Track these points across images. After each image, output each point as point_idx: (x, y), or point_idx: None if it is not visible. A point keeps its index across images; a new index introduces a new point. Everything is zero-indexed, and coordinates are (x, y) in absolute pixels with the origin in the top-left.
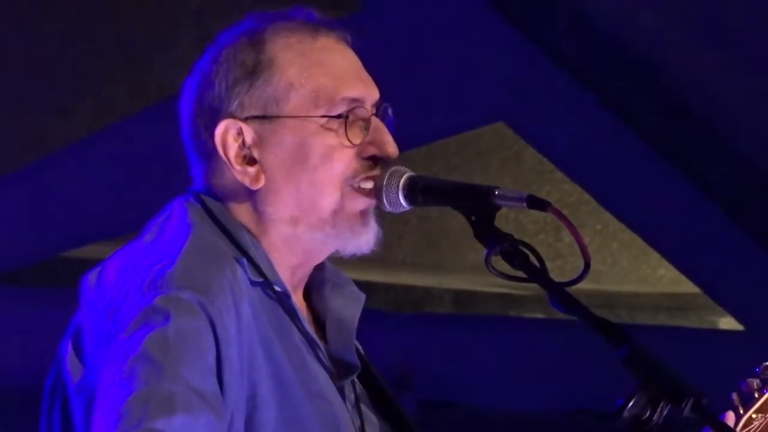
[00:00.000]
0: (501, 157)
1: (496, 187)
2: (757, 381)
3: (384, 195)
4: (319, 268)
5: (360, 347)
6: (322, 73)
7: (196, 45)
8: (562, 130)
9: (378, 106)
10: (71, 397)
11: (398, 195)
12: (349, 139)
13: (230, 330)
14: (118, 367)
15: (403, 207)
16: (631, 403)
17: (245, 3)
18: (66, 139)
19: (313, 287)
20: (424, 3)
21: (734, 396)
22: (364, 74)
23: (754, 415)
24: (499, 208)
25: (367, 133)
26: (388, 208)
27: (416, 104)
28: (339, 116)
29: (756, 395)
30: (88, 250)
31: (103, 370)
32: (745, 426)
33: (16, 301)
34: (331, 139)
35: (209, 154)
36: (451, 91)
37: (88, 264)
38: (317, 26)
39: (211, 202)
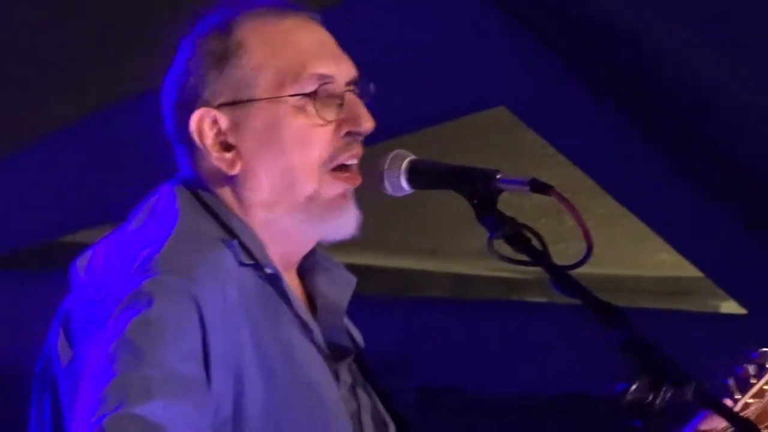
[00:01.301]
0: (502, 142)
1: (499, 171)
2: (754, 366)
3: (386, 178)
4: (310, 253)
5: (355, 332)
6: (288, 52)
7: (172, 31)
8: (563, 114)
9: (355, 83)
10: (60, 381)
11: (400, 178)
12: (320, 117)
13: (216, 313)
14: (101, 352)
15: (405, 190)
16: (633, 388)
17: None
18: (56, 123)
19: (305, 272)
20: None
21: (730, 381)
22: (336, 50)
23: (750, 401)
24: (501, 191)
25: (341, 110)
26: (389, 191)
27: (415, 89)
28: (308, 94)
29: (752, 380)
30: (84, 235)
31: (89, 355)
32: (740, 411)
33: (10, 285)
34: (302, 120)
35: (190, 143)
36: (450, 75)
37: (84, 248)
38: (284, 9)
39: (198, 187)
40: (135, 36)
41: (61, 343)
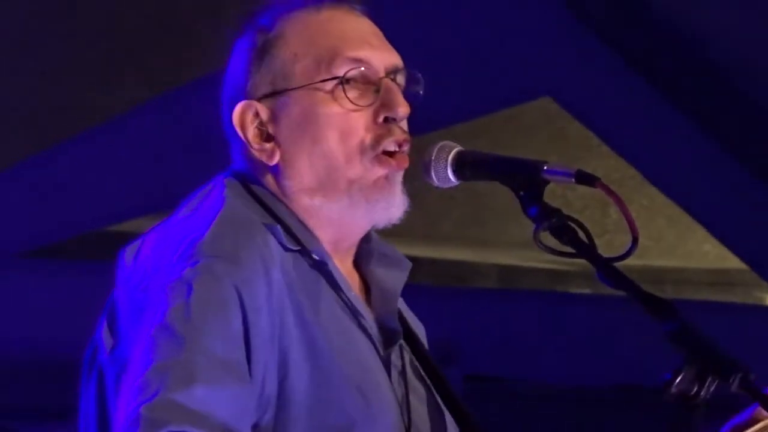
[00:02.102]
0: (547, 132)
1: (545, 162)
2: None
3: (433, 170)
4: (365, 238)
5: (414, 320)
6: (324, 40)
7: (242, 16)
8: (608, 104)
9: (397, 71)
10: (105, 369)
11: (447, 170)
12: (352, 102)
13: (259, 297)
14: (143, 339)
15: (452, 182)
16: (678, 379)
17: None
18: (110, 111)
19: (362, 258)
20: None
21: None
22: (375, 38)
23: None
24: (547, 182)
25: (378, 96)
26: (436, 183)
27: (461, 80)
28: (340, 78)
29: None
30: (132, 224)
31: (131, 343)
32: None
33: (60, 274)
34: (337, 106)
35: (237, 136)
36: (496, 66)
37: (132, 238)
38: (326, 1)
39: (248, 178)
40: (201, 23)
41: (105, 331)
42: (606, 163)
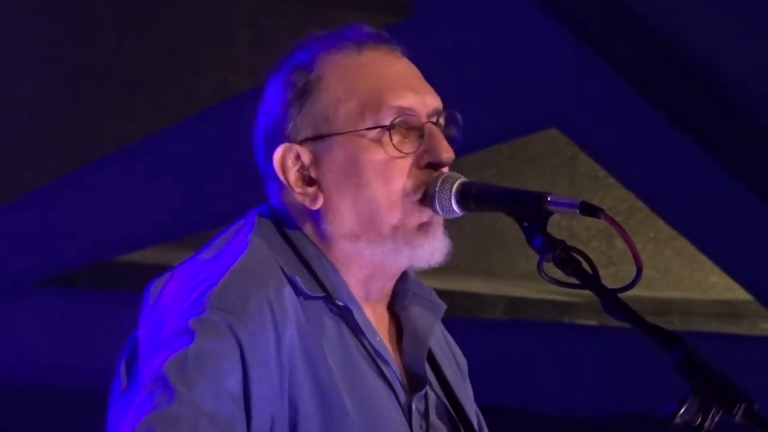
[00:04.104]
0: (554, 163)
1: (549, 193)
2: None
3: (437, 200)
4: (402, 280)
5: (449, 352)
6: (367, 85)
7: (250, 46)
8: (615, 136)
9: (438, 113)
10: (112, 406)
11: (451, 201)
12: (398, 149)
13: (263, 351)
14: (141, 386)
15: (456, 213)
16: (683, 409)
17: (298, 6)
18: (121, 140)
19: (397, 298)
20: (477, 8)
21: None
22: (417, 82)
23: None
24: (551, 213)
25: (422, 141)
26: (440, 213)
27: (469, 109)
28: (386, 127)
29: None
30: (143, 255)
31: (137, 386)
32: None
33: (71, 304)
34: (381, 153)
35: (275, 177)
36: (504, 96)
37: (142, 268)
38: (363, 41)
39: (282, 218)
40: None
41: (123, 370)
42: (613, 194)
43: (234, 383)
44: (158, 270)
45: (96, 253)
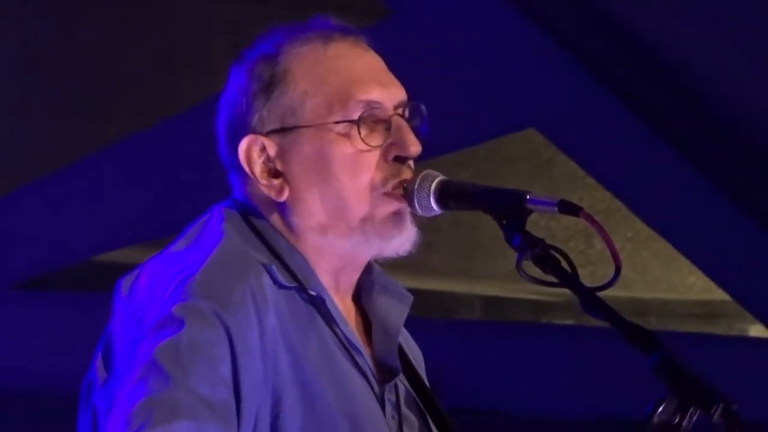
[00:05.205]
0: (532, 164)
1: (528, 192)
2: None
3: (415, 198)
4: (367, 272)
5: (415, 351)
6: (334, 78)
7: (229, 50)
8: (593, 136)
9: (404, 105)
10: (97, 401)
11: (429, 199)
12: (365, 143)
13: (249, 340)
14: (132, 373)
15: (435, 211)
16: (660, 409)
17: (277, 12)
18: (99, 143)
19: (363, 290)
20: (454, 9)
21: None
22: (383, 75)
23: None
24: (530, 212)
25: (389, 134)
26: (419, 212)
27: (446, 111)
28: (354, 121)
29: None
30: (120, 254)
31: (121, 377)
32: None
33: (47, 306)
34: (349, 146)
35: (241, 169)
36: (481, 97)
37: (119, 268)
38: (331, 33)
39: (249, 210)
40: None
41: (100, 364)
42: (592, 194)
43: (225, 371)
44: None
45: (73, 254)
